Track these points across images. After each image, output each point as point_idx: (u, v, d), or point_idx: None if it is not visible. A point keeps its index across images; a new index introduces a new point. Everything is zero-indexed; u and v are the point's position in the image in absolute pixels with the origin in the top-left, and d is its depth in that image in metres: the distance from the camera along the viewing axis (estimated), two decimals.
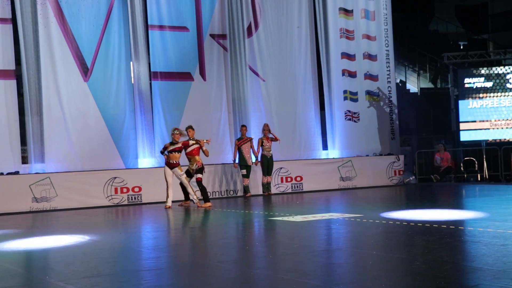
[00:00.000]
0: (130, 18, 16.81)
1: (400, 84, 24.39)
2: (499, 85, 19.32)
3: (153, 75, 17.07)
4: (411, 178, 19.40)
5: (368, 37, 19.91)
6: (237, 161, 16.69)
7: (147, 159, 16.94)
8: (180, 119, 17.24)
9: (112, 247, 8.75)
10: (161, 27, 17.17)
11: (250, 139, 16.86)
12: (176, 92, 17.30)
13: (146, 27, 17.06)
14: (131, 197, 15.80)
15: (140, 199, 15.85)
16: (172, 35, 17.30)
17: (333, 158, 18.73)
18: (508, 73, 19.35)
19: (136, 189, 15.87)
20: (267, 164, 16.79)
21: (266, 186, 16.86)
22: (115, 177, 15.72)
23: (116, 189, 15.68)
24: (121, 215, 13.89)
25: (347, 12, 19.63)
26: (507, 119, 19.27)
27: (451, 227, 8.91)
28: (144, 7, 17.04)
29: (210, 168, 16.80)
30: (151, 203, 15.66)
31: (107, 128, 16.42)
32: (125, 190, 15.77)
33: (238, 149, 16.66)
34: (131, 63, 16.91)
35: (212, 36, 17.79)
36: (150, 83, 17.10)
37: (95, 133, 16.32)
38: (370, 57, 19.91)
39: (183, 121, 17.22)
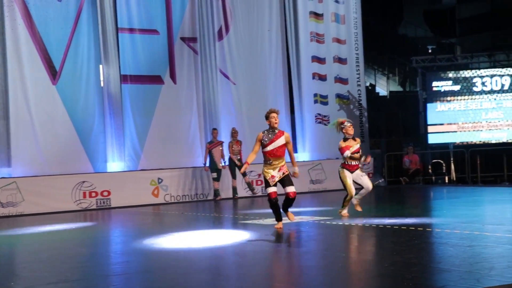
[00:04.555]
0: (99, 21, 16.68)
1: (370, 88, 24.59)
2: (466, 89, 19.57)
3: (123, 78, 16.96)
4: (380, 181, 19.54)
5: (338, 40, 20.03)
6: (207, 164, 16.65)
7: (117, 163, 16.83)
8: (150, 122, 17.16)
9: (80, 252, 8.66)
10: (131, 30, 17.08)
11: (221, 143, 16.84)
12: (146, 96, 17.21)
13: (116, 30, 16.95)
14: (100, 202, 15.66)
15: (109, 204, 15.73)
16: (142, 38, 17.21)
17: (303, 161, 18.78)
18: (475, 77, 19.61)
19: (105, 193, 15.74)
20: (235, 167, 16.77)
21: (247, 188, 16.86)
22: (84, 181, 15.58)
23: (84, 194, 15.53)
24: (90, 219, 13.76)
25: (317, 15, 19.73)
26: (474, 122, 19.52)
27: (419, 229, 8.99)
28: (114, 10, 16.93)
29: (181, 172, 16.76)
30: (120, 208, 15.54)
31: (75, 131, 16.27)
32: (93, 194, 15.63)
33: (209, 152, 16.63)
34: (101, 66, 16.79)
35: (183, 39, 17.74)
36: (120, 86, 16.98)
37: (64, 136, 16.15)
38: (340, 60, 20.02)
39: (153, 125, 17.16)
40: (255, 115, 18.56)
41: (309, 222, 10.61)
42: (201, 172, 16.86)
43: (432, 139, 19.71)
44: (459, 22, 28.11)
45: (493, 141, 19.53)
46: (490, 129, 19.52)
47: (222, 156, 16.73)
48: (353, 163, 11.27)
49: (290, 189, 9.48)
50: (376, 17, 28.70)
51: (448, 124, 19.58)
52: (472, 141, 19.55)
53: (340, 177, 11.35)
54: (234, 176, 16.79)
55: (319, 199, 16.29)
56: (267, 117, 9.65)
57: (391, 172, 20.11)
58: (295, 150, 19.24)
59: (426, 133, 19.84)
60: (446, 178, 19.89)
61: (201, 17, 18.02)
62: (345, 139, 11.30)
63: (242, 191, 17.00)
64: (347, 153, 11.19)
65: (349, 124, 11.28)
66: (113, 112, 16.87)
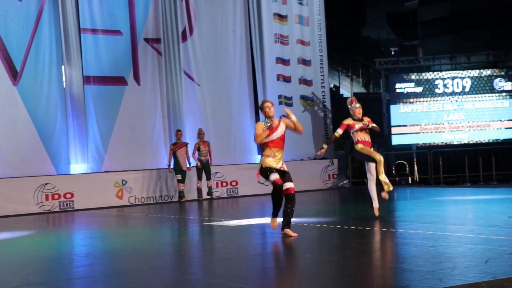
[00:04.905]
0: (61, 21, 16.48)
1: (334, 89, 24.75)
2: (429, 90, 19.81)
3: (85, 80, 16.79)
4: (344, 182, 19.67)
5: (302, 42, 20.11)
6: (172, 166, 16.57)
7: (80, 165, 16.64)
8: (114, 124, 17.03)
9: (43, 255, 8.54)
10: (93, 30, 16.91)
11: (186, 144, 16.78)
12: (109, 97, 17.07)
13: (79, 30, 16.77)
14: (63, 204, 15.47)
15: (72, 206, 15.54)
16: (105, 39, 17.06)
17: None
18: (437, 79, 19.87)
19: (68, 196, 15.56)
20: (202, 169, 16.73)
21: (208, 191, 16.80)
22: (46, 184, 15.37)
23: (47, 196, 15.33)
24: (52, 222, 13.58)
25: (281, 17, 19.79)
26: (436, 124, 19.77)
27: (383, 229, 9.08)
28: (76, 10, 16.74)
29: (145, 173, 16.65)
30: (84, 210, 15.38)
31: (37, 133, 16.04)
32: (56, 196, 15.43)
33: (173, 154, 16.55)
34: (63, 67, 16.59)
35: (146, 40, 17.63)
36: (83, 88, 16.80)
37: (25, 138, 15.92)
38: (305, 62, 20.12)
39: (117, 126, 17.03)
40: (220, 117, 18.58)
41: None
42: (166, 173, 16.77)
43: (396, 140, 19.90)
44: (421, 24, 28.46)
45: (455, 142, 19.81)
46: (452, 131, 19.80)
47: (187, 158, 16.68)
48: (366, 138, 10.59)
49: (290, 185, 8.75)
50: (339, 19, 28.92)
51: (411, 125, 19.80)
52: (434, 142, 19.80)
53: (358, 153, 10.52)
54: (200, 178, 16.74)
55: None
56: (261, 108, 9.03)
57: (355, 173, 20.25)
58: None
59: (389, 134, 20.03)
60: (409, 179, 20.10)
61: (165, 18, 17.93)
62: (353, 119, 10.68)
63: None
64: (340, 131, 10.59)
65: (357, 105, 10.70)
66: (76, 114, 16.68)
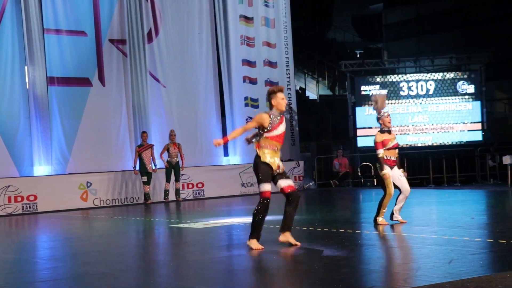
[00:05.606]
0: (24, 21, 16.24)
1: (300, 91, 24.85)
2: (393, 93, 20.01)
3: (49, 80, 16.57)
4: (310, 184, 19.75)
5: (268, 44, 20.15)
6: (137, 168, 16.45)
7: (43, 167, 16.41)
8: (78, 125, 16.85)
9: (5, 258, 8.40)
10: (57, 31, 16.71)
11: (151, 146, 16.67)
12: (74, 98, 16.88)
13: (42, 30, 16.55)
14: (26, 206, 15.24)
15: (35, 208, 15.32)
16: (70, 39, 16.87)
17: (235, 164, 18.80)
18: (401, 81, 20.07)
19: (32, 198, 15.32)
20: (172, 171, 16.62)
21: (176, 193, 16.71)
22: (9, 186, 15.12)
23: (9, 198, 15.07)
24: (15, 225, 13.37)
25: (247, 19, 19.79)
26: (401, 126, 19.97)
27: (348, 231, 9.13)
28: (40, 10, 16.52)
29: (110, 175, 16.51)
30: (47, 212, 15.17)
31: None
32: (19, 199, 15.18)
33: (139, 155, 16.43)
34: (26, 67, 16.35)
35: (111, 41, 17.48)
36: (47, 89, 16.58)
37: None
38: (271, 64, 20.15)
39: (81, 128, 16.85)
40: (186, 118, 18.50)
41: (241, 225, 10.61)
42: (131, 175, 16.65)
43: (361, 142, 20.05)
44: (385, 27, 28.75)
45: (419, 144, 20.04)
46: (416, 133, 20.02)
47: (153, 160, 16.57)
48: (392, 157, 9.69)
49: (289, 182, 7.82)
50: (305, 21, 29.08)
51: (376, 127, 19.94)
52: (399, 144, 19.98)
53: (379, 175, 9.71)
54: (168, 179, 16.65)
55: (250, 202, 16.32)
56: (272, 97, 7.74)
57: (321, 175, 20.35)
58: (226, 154, 19.26)
59: (355, 136, 20.17)
60: (375, 180, 20.26)
61: (130, 19, 17.80)
62: (381, 131, 9.68)
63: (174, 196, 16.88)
64: (381, 152, 9.59)
65: (386, 114, 9.67)
66: (39, 115, 16.45)
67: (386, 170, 9.57)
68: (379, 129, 9.76)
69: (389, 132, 9.72)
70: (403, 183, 9.67)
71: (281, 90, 7.79)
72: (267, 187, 7.71)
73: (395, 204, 9.70)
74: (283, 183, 7.79)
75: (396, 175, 9.62)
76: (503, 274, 5.48)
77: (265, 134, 7.84)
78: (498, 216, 10.54)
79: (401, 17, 27.67)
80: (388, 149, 9.66)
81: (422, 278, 5.70)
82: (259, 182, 7.76)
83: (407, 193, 9.66)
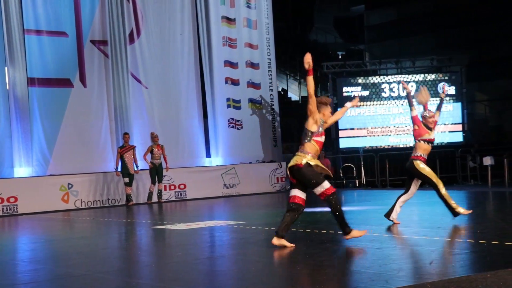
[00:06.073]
0: (4, 21, 16.14)
1: (282, 92, 24.91)
2: (375, 94, 20.10)
3: (30, 81, 16.47)
4: None
5: (250, 45, 20.15)
6: (119, 169, 16.38)
7: (24, 168, 16.30)
8: (59, 126, 16.77)
9: None
10: (38, 31, 16.61)
11: (133, 147, 16.61)
12: (55, 99, 16.79)
13: (23, 31, 16.43)
14: (6, 208, 15.12)
15: (16, 210, 15.20)
16: (50, 40, 16.78)
17: (217, 165, 18.79)
18: (383, 83, 20.17)
19: (12, 200, 15.21)
20: (156, 172, 16.57)
21: (158, 194, 16.66)
22: None
23: None
24: None
25: (229, 20, 19.78)
26: (383, 127, 20.07)
27: (330, 232, 9.14)
28: (20, 11, 16.40)
29: (91, 177, 16.42)
30: (28, 214, 15.05)
31: None
32: None
33: (121, 157, 16.36)
34: (6, 68, 16.23)
35: (93, 42, 17.40)
36: (27, 90, 16.47)
37: None
38: (253, 65, 20.16)
39: (62, 129, 16.78)
40: (168, 119, 18.45)
41: (223, 226, 10.60)
42: (113, 177, 16.57)
43: (343, 143, 20.13)
44: (367, 29, 28.87)
45: (401, 146, 20.14)
46: (398, 134, 20.12)
47: (135, 161, 16.51)
48: (426, 156, 9.78)
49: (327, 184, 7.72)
50: (287, 22, 29.14)
51: (358, 128, 20.05)
52: (381, 146, 20.09)
53: (418, 171, 9.76)
54: (153, 181, 16.59)
55: (232, 203, 16.33)
56: (322, 107, 7.96)
57: None
58: (208, 155, 19.24)
59: (337, 137, 20.24)
60: (357, 181, 20.35)
61: (112, 20, 17.73)
62: (426, 127, 9.94)
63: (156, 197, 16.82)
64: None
65: (429, 114, 10.02)
66: (20, 116, 16.33)
67: (421, 165, 9.69)
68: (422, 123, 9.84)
69: (430, 129, 9.88)
70: (417, 186, 9.88)
71: (331, 104, 8.00)
72: (327, 183, 7.68)
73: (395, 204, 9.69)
74: (328, 183, 7.73)
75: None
76: (483, 275, 5.52)
77: (314, 138, 7.83)
78: (479, 216, 10.61)
79: (383, 19, 27.81)
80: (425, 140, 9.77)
81: (404, 278, 5.72)
82: (318, 184, 7.66)
83: (412, 195, 9.85)
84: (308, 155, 7.73)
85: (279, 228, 7.75)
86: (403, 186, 19.50)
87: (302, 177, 7.66)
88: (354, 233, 7.72)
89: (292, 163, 7.74)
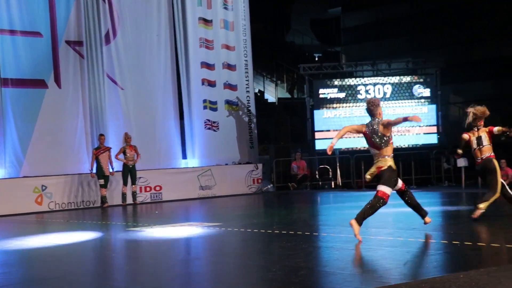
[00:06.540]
0: None
1: (259, 94, 24.90)
2: (351, 96, 20.18)
3: (3, 82, 16.28)
4: (269, 186, 19.78)
5: (227, 47, 20.12)
6: (94, 171, 16.25)
7: None
8: (33, 127, 16.59)
9: None
10: (12, 31, 16.42)
11: (109, 149, 16.49)
12: (29, 100, 16.61)
13: None
14: None
15: None
16: (24, 40, 16.59)
17: (193, 167, 18.73)
18: (359, 85, 20.26)
19: None
20: (128, 173, 16.46)
21: (132, 196, 16.55)
22: None
23: None
24: None
25: (206, 22, 19.74)
26: None
27: (306, 233, 9.16)
28: None
29: (66, 178, 16.28)
30: (1, 216, 14.86)
31: None
32: None
33: (96, 158, 16.23)
34: None
35: (68, 42, 17.25)
36: (0, 90, 16.27)
37: None
38: (229, 67, 20.13)
39: (36, 130, 16.60)
40: (144, 121, 18.35)
41: (199, 228, 10.56)
42: (88, 178, 16.44)
43: (319, 145, 20.16)
44: (343, 31, 28.99)
45: None
46: None
47: (110, 162, 16.39)
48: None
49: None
50: (264, 24, 29.15)
51: (334, 130, 20.07)
52: (356, 147, 20.17)
53: (494, 169, 9.75)
54: (125, 183, 16.48)
55: (208, 205, 16.30)
56: (378, 109, 8.51)
57: (279, 178, 20.40)
58: (184, 156, 19.17)
59: (313, 139, 20.28)
60: (333, 183, 20.41)
61: (87, 21, 17.58)
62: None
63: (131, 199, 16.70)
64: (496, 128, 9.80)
65: (470, 109, 9.99)
66: None
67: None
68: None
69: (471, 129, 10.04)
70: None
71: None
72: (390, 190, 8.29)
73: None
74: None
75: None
76: (456, 275, 5.56)
77: (391, 141, 8.46)
78: (452, 217, 10.71)
79: (359, 21, 27.93)
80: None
81: (379, 279, 5.75)
82: (394, 184, 8.38)
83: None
84: (389, 158, 8.48)
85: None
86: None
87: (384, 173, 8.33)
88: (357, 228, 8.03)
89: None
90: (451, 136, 21.44)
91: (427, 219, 8.67)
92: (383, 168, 8.29)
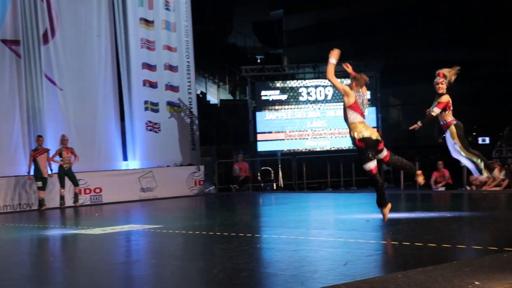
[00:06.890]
0: None
1: (201, 96, 24.82)
2: (293, 98, 20.33)
3: None
4: (211, 188, 19.73)
5: (169, 48, 19.98)
6: (31, 173, 15.90)
7: None
8: None
9: None
10: None
11: (47, 150, 16.16)
12: None
13: None
14: None
15: None
16: None
17: (134, 169, 18.52)
18: (300, 87, 20.43)
19: None
20: (65, 175, 16.14)
21: (74, 198, 16.24)
22: None
23: None
24: None
25: (148, 22, 19.55)
26: (300, 131, 20.31)
27: (248, 234, 9.17)
28: None
29: (2, 181, 15.88)
30: None
31: None
32: None
33: (34, 160, 15.88)
34: None
35: (4, 41, 16.83)
36: None
37: None
38: (171, 68, 19.99)
39: None
40: (83, 122, 18.06)
41: (139, 230, 10.45)
42: (25, 180, 16.07)
43: (261, 146, 20.24)
44: (286, 33, 29.20)
45: (318, 149, 20.44)
46: (315, 138, 20.41)
47: (49, 164, 16.06)
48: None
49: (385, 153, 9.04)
50: (207, 26, 29.09)
51: (276, 132, 20.21)
52: (298, 149, 20.33)
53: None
54: (62, 185, 16.17)
55: (149, 207, 16.15)
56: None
57: (221, 179, 20.38)
58: (125, 158, 18.95)
59: (255, 141, 20.34)
60: (274, 185, 20.51)
61: (24, 19, 17.18)
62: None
63: (70, 201, 16.40)
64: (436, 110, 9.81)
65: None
66: None
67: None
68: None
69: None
70: None
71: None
72: (372, 164, 8.93)
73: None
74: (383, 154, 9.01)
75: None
76: (394, 275, 5.65)
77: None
78: (391, 218, 10.89)
79: (301, 24, 28.19)
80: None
81: (319, 280, 5.79)
82: (366, 161, 8.94)
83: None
84: (360, 124, 9.50)
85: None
86: (319, 189, 19.87)
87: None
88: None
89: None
90: (390, 138, 21.84)
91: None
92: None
